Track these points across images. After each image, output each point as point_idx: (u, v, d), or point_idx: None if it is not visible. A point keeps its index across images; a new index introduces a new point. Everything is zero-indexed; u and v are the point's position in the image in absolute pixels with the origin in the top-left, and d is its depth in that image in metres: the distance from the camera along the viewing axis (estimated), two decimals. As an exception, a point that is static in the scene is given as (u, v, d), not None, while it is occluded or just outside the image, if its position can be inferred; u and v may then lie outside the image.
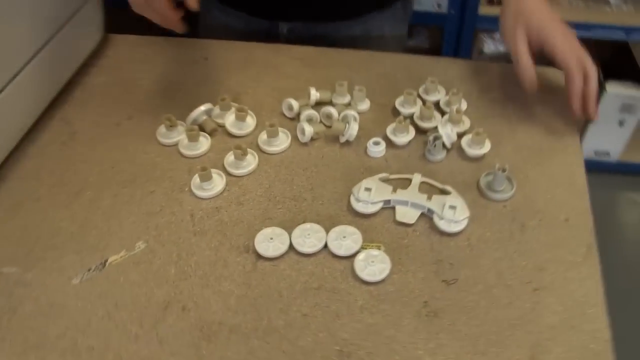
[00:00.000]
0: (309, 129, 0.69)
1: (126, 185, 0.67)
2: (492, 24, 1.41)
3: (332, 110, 0.72)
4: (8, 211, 0.65)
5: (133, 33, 0.90)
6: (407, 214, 0.62)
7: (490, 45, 1.57)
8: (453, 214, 0.61)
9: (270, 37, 0.91)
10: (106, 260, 0.60)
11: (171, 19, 0.67)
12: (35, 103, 0.74)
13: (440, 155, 0.68)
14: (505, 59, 1.71)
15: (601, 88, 1.53)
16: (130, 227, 0.63)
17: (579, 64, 0.68)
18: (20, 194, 0.66)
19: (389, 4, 0.91)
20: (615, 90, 1.50)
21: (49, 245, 0.61)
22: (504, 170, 0.62)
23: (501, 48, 1.58)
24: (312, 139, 0.71)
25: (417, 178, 0.65)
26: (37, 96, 0.74)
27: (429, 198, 0.62)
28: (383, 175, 0.66)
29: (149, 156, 0.71)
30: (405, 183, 0.66)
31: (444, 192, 0.65)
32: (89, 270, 0.59)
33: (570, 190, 0.65)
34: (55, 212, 0.65)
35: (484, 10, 1.48)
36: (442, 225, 0.61)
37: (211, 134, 0.72)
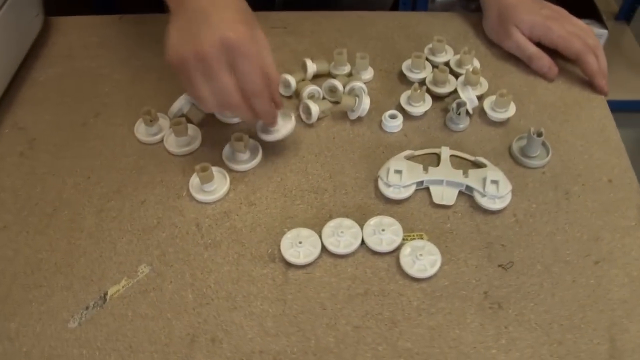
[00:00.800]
0: (315, 108, 0.61)
1: (110, 197, 0.57)
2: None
3: (336, 83, 0.63)
4: (-30, 248, 0.53)
5: (73, 13, 0.77)
6: (444, 195, 0.55)
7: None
8: (496, 189, 0.55)
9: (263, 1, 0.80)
10: (106, 293, 0.50)
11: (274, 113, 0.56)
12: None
13: (464, 123, 0.61)
14: (460, 5, 1.66)
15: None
16: (125, 248, 0.53)
17: (584, 44, 0.65)
18: (-19, 225, 0.55)
19: None
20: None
21: (29, 283, 0.51)
22: (540, 135, 0.57)
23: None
24: (317, 119, 0.62)
25: (445, 152, 0.59)
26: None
27: (465, 174, 0.56)
28: (408, 152, 0.59)
29: (130, 159, 0.60)
30: (433, 158, 0.59)
31: (477, 165, 0.58)
32: (87, 308, 0.49)
33: (606, 147, 0.60)
34: (30, 241, 0.54)
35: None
36: (486, 202, 0.54)
37: (200, 124, 0.62)
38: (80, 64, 0.69)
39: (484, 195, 0.55)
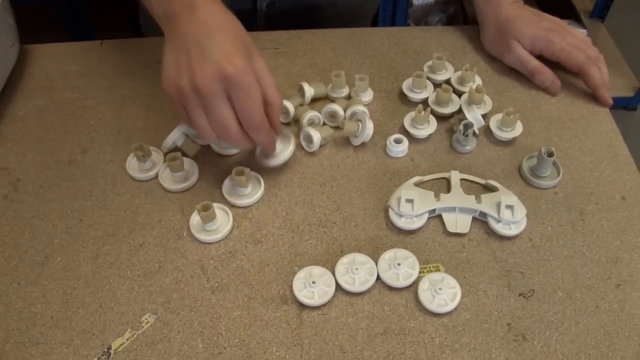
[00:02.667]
0: (317, 136, 0.58)
1: (106, 241, 0.53)
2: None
3: (337, 108, 0.61)
4: (-43, 306, 0.49)
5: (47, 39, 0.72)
6: (458, 222, 0.54)
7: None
8: (511, 214, 0.53)
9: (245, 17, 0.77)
10: (109, 347, 0.47)
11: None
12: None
13: (472, 144, 0.59)
14: (438, 9, 1.65)
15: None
16: (127, 296, 0.50)
17: (587, 57, 0.64)
18: (-32, 279, 0.51)
19: None
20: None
21: (25, 340, 0.47)
22: (550, 155, 0.55)
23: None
24: (319, 146, 0.60)
25: (455, 177, 0.57)
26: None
27: (478, 199, 0.54)
28: (417, 179, 0.56)
29: (123, 198, 0.57)
30: (443, 183, 0.57)
31: (489, 188, 0.57)
32: (90, 365, 0.46)
33: (616, 163, 0.59)
34: (22, 294, 0.50)
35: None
36: (501, 228, 0.53)
37: (195, 157, 0.59)
38: (61, 96, 0.65)
39: (499, 221, 0.53)
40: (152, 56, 0.69)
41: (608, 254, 0.52)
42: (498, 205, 0.53)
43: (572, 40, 0.64)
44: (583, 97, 0.65)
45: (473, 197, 0.54)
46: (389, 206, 0.54)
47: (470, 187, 0.57)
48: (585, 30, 1.41)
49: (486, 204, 0.54)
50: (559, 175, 0.57)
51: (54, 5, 1.42)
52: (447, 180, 0.57)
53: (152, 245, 0.53)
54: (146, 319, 0.49)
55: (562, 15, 0.68)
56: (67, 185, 0.58)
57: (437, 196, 0.54)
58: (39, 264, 0.52)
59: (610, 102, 0.63)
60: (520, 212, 0.53)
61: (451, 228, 0.53)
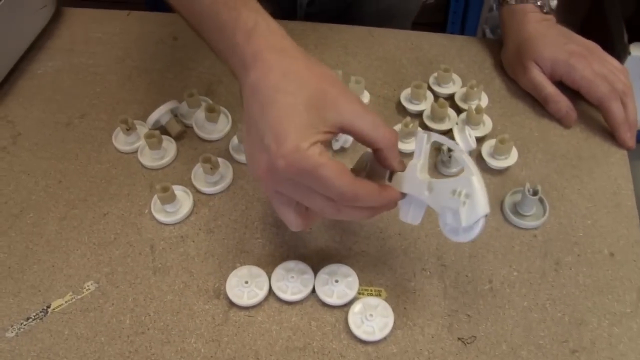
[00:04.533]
0: (295, 135, 0.56)
1: (76, 205, 0.56)
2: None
3: (324, 109, 0.59)
4: None
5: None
6: (411, 211, 0.44)
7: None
8: (468, 211, 0.38)
9: (285, 14, 0.76)
10: (49, 306, 0.49)
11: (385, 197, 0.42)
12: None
13: (457, 167, 0.55)
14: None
15: (625, 50, 1.35)
16: (78, 261, 0.52)
17: (611, 89, 0.56)
18: (-52, 218, 0.55)
19: None
20: (640, 52, 1.33)
21: (-21, 284, 0.51)
22: (535, 193, 0.50)
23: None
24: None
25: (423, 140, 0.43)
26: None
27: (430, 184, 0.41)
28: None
29: (103, 167, 0.59)
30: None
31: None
32: (27, 319, 0.49)
33: (615, 214, 0.53)
34: (-10, 241, 0.54)
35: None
36: (448, 232, 0.41)
37: (177, 138, 0.60)
38: (77, 60, 0.68)
39: (446, 224, 0.40)
40: (169, 31, 0.71)
41: (573, 313, 0.47)
42: (456, 193, 0.39)
43: (599, 68, 0.57)
44: (601, 135, 0.58)
45: (428, 179, 0.42)
46: None
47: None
48: None
49: (439, 192, 0.40)
50: (543, 216, 0.52)
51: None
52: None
53: (114, 216, 0.55)
54: (88, 286, 0.50)
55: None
56: (58, 147, 0.61)
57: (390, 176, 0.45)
58: (13, 215, 0.55)
59: (632, 144, 0.56)
60: (478, 211, 0.38)
61: (403, 217, 0.44)
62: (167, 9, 0.50)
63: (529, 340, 0.46)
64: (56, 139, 0.61)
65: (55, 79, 0.67)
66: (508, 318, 0.47)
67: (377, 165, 0.44)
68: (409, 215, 0.44)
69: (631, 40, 1.36)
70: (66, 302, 0.50)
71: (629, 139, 0.56)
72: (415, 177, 0.42)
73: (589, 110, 0.60)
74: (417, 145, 0.43)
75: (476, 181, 0.39)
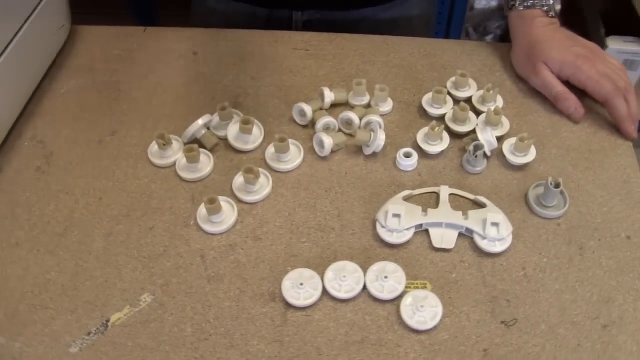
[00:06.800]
0: (328, 141, 0.60)
1: (119, 220, 0.58)
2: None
3: (352, 116, 0.62)
4: (-18, 264, 0.55)
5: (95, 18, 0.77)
6: (444, 238, 0.54)
7: (481, 1, 1.46)
8: (496, 231, 0.53)
9: (278, 26, 0.79)
10: (108, 320, 0.51)
11: None
12: (3, 118, 0.62)
13: (482, 165, 0.59)
14: (499, 14, 1.61)
15: (602, 44, 1.44)
16: (130, 275, 0.54)
17: (614, 88, 0.62)
18: (-6, 240, 0.56)
19: None
20: (617, 45, 1.41)
21: (36, 303, 0.52)
22: (557, 186, 0.55)
23: (493, 3, 1.47)
24: (331, 151, 0.62)
25: (444, 191, 0.57)
26: (4, 110, 0.62)
27: (465, 215, 0.55)
28: (406, 193, 0.57)
29: (142, 182, 0.61)
30: (433, 198, 0.58)
31: (477, 204, 0.57)
32: (88, 334, 0.50)
33: (628, 200, 0.58)
34: (39, 261, 0.55)
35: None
36: (485, 245, 0.53)
37: (212, 150, 0.62)
38: (100, 78, 0.70)
39: (484, 238, 0.54)
40: (188, 46, 0.73)
41: (601, 292, 0.52)
42: (484, 221, 0.54)
43: (603, 68, 0.63)
44: (607, 128, 0.64)
45: (460, 212, 0.55)
46: (376, 219, 0.55)
47: (459, 202, 0.58)
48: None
49: (472, 220, 0.54)
50: (564, 206, 0.56)
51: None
52: (437, 195, 0.58)
53: (160, 229, 0.57)
54: (144, 299, 0.52)
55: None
56: (93, 164, 0.62)
57: (424, 211, 0.55)
58: (57, 234, 0.57)
59: (635, 136, 0.62)
60: (506, 229, 0.54)
61: (437, 243, 0.54)
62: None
63: (564, 319, 0.50)
64: (90, 157, 0.63)
65: (80, 97, 0.68)
66: (543, 300, 0.51)
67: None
68: (443, 241, 0.54)
69: (607, 34, 1.44)
70: (125, 315, 0.52)
71: (633, 131, 0.62)
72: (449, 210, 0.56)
73: (595, 107, 0.65)
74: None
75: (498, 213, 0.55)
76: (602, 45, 1.44)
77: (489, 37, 1.59)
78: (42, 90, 0.69)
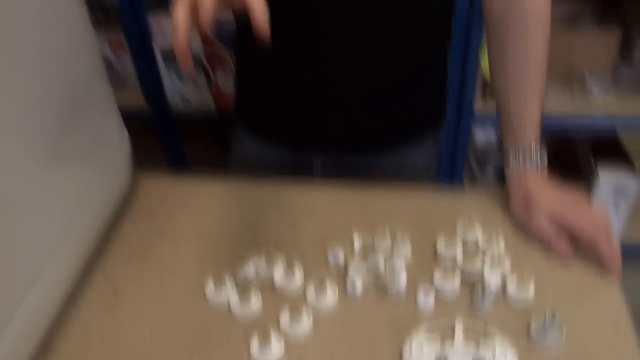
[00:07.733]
0: (359, 284, 0.71)
1: (181, 352, 0.67)
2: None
3: (378, 259, 0.74)
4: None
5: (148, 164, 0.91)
6: None
7: (480, 135, 1.64)
8: None
9: (301, 168, 0.96)
10: None
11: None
12: (79, 257, 0.74)
13: (489, 304, 0.70)
14: (497, 147, 1.79)
15: (593, 174, 1.58)
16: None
17: (597, 229, 0.74)
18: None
19: (421, 136, 0.97)
20: (607, 175, 1.56)
21: None
22: (553, 320, 0.65)
23: (492, 137, 1.65)
24: (360, 294, 0.72)
25: (459, 325, 0.67)
26: (80, 250, 0.74)
27: (477, 346, 0.64)
28: (427, 326, 0.67)
29: (199, 318, 0.71)
30: (449, 331, 0.67)
31: (487, 336, 0.66)
32: None
33: (617, 333, 0.68)
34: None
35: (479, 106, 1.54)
36: None
37: (261, 290, 0.73)
38: (159, 223, 0.83)
39: None
40: (231, 196, 0.87)
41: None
42: (493, 352, 0.64)
43: (586, 215, 0.76)
44: (594, 265, 0.75)
45: (472, 344, 0.65)
46: (402, 353, 0.65)
47: (475, 336, 0.67)
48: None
49: (484, 350, 0.64)
50: (561, 338, 0.66)
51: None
52: (452, 329, 0.67)
53: (218, 361, 0.66)
54: None
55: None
56: (156, 300, 0.72)
57: (442, 343, 0.65)
58: (128, 366, 0.66)
59: (618, 271, 0.73)
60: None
61: None
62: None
63: None
64: (153, 294, 0.73)
65: (142, 239, 0.80)
66: None
67: None
68: None
69: (597, 162, 1.58)
70: None
71: (616, 268, 0.73)
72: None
73: (581, 247, 0.77)
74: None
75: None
76: (594, 174, 1.57)
77: (489, 167, 1.74)
78: (109, 233, 0.81)
